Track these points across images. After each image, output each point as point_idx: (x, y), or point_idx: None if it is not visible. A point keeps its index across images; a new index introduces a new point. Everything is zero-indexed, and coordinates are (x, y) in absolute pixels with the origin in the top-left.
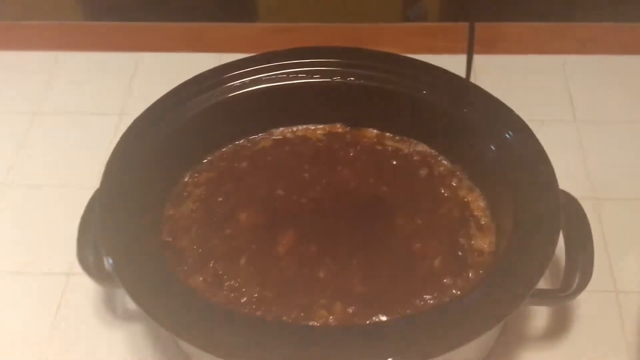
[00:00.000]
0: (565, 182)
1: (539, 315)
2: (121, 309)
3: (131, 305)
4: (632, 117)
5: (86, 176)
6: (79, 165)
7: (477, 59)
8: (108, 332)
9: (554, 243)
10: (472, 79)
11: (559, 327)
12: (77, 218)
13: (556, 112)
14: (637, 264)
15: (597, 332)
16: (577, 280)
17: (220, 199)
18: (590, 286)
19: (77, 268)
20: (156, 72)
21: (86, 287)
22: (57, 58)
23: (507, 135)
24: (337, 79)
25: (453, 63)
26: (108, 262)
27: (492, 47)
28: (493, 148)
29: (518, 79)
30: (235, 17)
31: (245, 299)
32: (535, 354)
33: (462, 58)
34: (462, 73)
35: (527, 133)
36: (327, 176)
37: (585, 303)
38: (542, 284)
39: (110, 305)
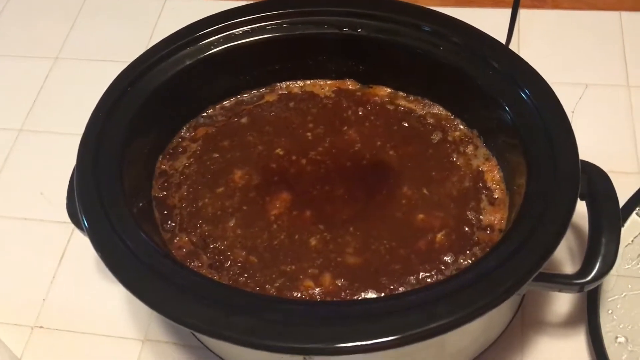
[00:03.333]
0: (608, 155)
1: (561, 300)
2: None
3: None
4: None
5: None
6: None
7: (525, 13)
8: (106, 284)
9: (568, 218)
10: (516, 35)
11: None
12: None
13: (606, 76)
14: None
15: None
16: (597, 265)
17: (215, 155)
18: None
19: None
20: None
21: None
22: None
23: (528, 101)
24: (347, 30)
25: (497, 17)
26: (83, 222)
27: (541, 1)
28: (511, 113)
29: (567, 36)
30: None
31: (229, 263)
32: (552, 340)
33: (508, 12)
34: (505, 28)
35: (550, 98)
36: (331, 136)
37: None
38: (568, 268)
39: None
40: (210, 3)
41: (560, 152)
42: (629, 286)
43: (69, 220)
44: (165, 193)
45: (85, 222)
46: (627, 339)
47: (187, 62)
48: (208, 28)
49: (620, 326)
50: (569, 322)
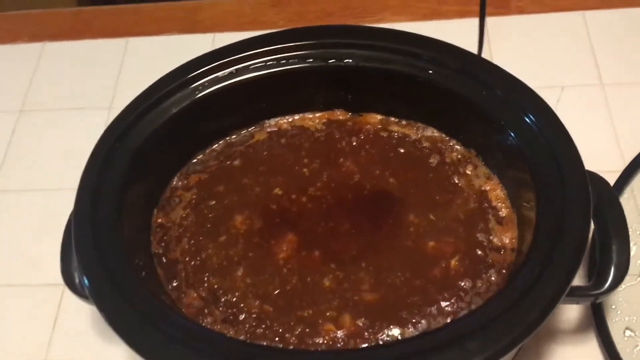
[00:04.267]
0: (593, 155)
1: (572, 308)
2: None
3: None
4: None
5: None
6: (70, 165)
7: (492, 21)
8: (106, 346)
9: (586, 232)
10: (486, 44)
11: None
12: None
13: (579, 76)
14: None
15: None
16: (611, 274)
17: (212, 203)
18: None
19: None
20: (146, 59)
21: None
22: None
23: (525, 117)
24: (333, 61)
25: (465, 28)
26: (83, 282)
27: (505, 7)
28: (510, 132)
29: (535, 40)
30: None
31: (243, 315)
32: (566, 347)
33: (474, 22)
34: (475, 38)
35: (546, 112)
36: (329, 170)
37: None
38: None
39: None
40: (172, 38)
41: (566, 166)
42: (626, 277)
43: (57, 282)
44: (165, 248)
45: (88, 286)
46: (634, 333)
47: (174, 110)
48: (191, 73)
49: (626, 319)
50: (578, 327)
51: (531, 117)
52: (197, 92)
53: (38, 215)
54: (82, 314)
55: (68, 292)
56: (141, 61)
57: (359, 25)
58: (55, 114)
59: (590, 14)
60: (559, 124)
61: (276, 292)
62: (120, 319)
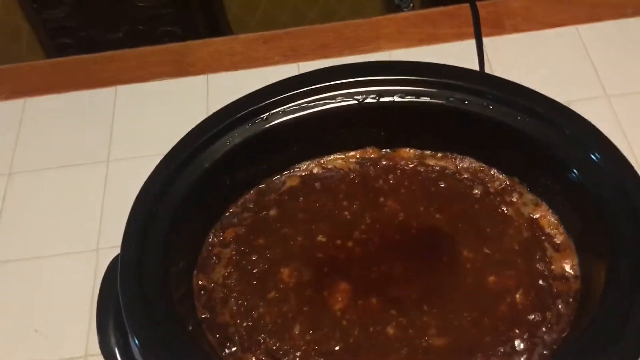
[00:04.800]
0: None
1: None
2: None
3: None
4: None
5: (80, 240)
6: (67, 228)
7: (489, 42)
8: None
9: None
10: (486, 64)
11: None
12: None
13: (583, 89)
14: None
15: None
16: None
17: (254, 257)
18: None
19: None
20: (139, 106)
21: None
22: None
23: (565, 132)
24: (370, 100)
25: (462, 50)
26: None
27: (500, 27)
28: (555, 155)
29: (535, 57)
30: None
31: None
32: None
33: (471, 43)
34: (473, 59)
35: (578, 121)
36: (370, 211)
37: None
38: None
39: None
40: (164, 83)
41: (625, 186)
42: None
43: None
44: (212, 311)
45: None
46: None
47: (206, 165)
48: (220, 125)
49: None
50: None
51: (572, 137)
52: (228, 143)
53: (44, 284)
54: None
55: None
56: (134, 109)
57: (397, 61)
58: (48, 174)
59: (583, 28)
60: (599, 135)
61: (339, 346)
62: None
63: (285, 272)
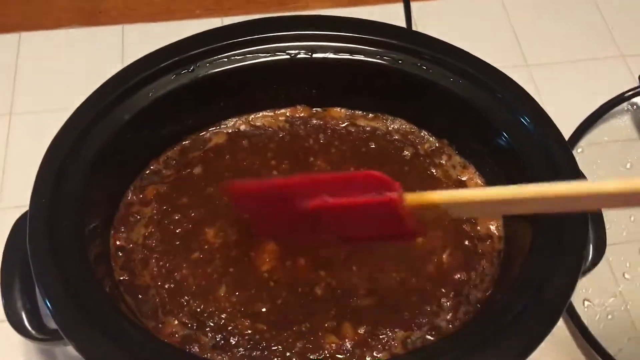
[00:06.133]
0: None
1: None
2: None
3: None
4: (585, 54)
5: None
6: None
7: (415, 6)
8: None
9: (586, 231)
10: (413, 28)
11: None
12: None
13: (506, 58)
14: None
15: None
16: (591, 254)
17: (177, 217)
18: None
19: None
20: (46, 57)
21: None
22: None
23: (501, 102)
24: (302, 55)
25: (390, 13)
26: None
27: None
28: (486, 118)
29: (460, 24)
30: None
31: (236, 338)
32: None
33: (399, 7)
34: (402, 23)
35: (510, 85)
36: (300, 171)
37: None
38: None
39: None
40: (73, 31)
41: (542, 141)
42: None
43: None
44: (131, 273)
45: (60, 322)
46: (592, 302)
47: (126, 118)
48: (141, 73)
49: (583, 291)
50: None
51: (501, 97)
52: (150, 94)
53: None
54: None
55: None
56: (40, 60)
57: (329, 16)
58: None
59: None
60: (523, 93)
61: (266, 308)
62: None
63: (210, 232)
